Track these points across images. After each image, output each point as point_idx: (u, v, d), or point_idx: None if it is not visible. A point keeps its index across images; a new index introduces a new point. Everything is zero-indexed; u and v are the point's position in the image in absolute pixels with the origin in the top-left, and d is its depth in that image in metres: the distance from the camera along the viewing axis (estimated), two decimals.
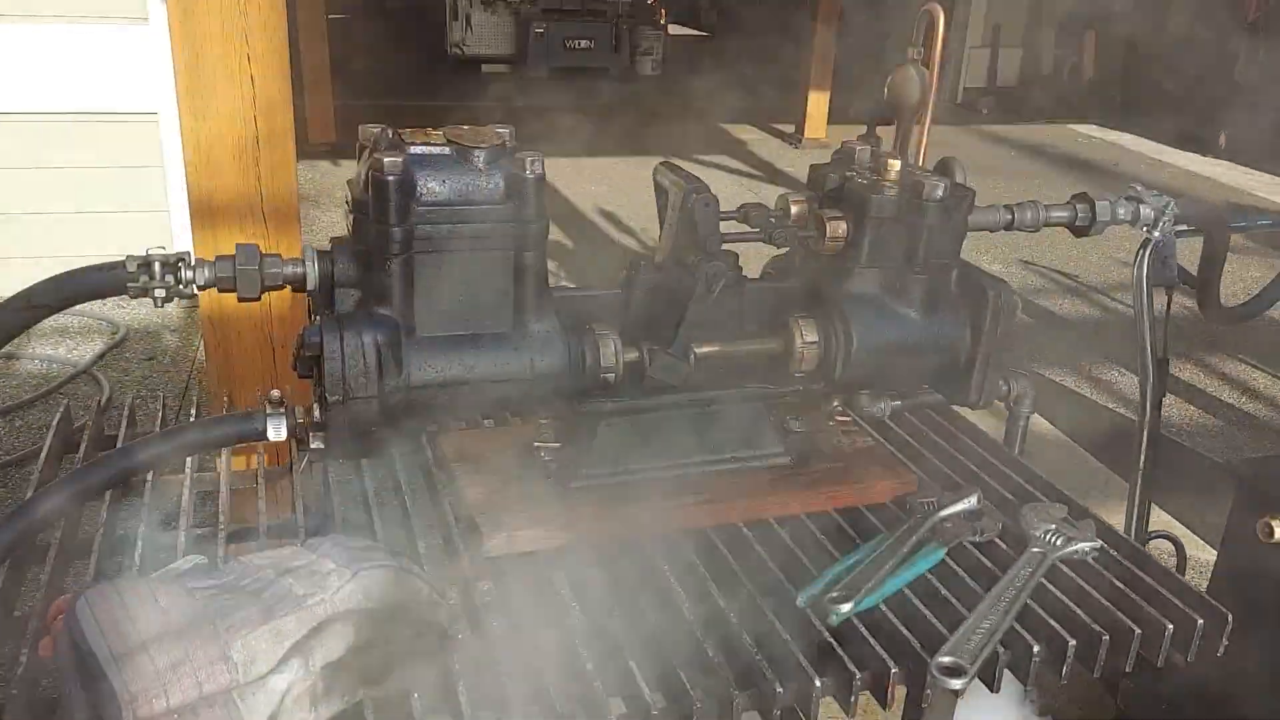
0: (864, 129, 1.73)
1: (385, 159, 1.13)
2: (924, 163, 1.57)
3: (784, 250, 1.48)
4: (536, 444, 1.36)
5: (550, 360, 1.24)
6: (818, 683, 1.10)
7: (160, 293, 1.15)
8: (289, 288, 1.25)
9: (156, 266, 1.15)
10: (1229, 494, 4.04)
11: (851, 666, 1.12)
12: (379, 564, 1.08)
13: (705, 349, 1.33)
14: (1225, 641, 1.26)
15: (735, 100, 10.83)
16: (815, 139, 8.84)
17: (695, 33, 15.34)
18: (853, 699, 1.12)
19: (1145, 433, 2.56)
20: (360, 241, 1.18)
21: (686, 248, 1.33)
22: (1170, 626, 1.23)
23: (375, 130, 1.26)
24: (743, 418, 1.43)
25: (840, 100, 9.31)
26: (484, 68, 11.45)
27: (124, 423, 1.54)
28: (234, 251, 1.20)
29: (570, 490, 1.36)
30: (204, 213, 2.16)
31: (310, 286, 1.20)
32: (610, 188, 7.63)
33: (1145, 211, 1.54)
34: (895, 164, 1.41)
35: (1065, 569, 1.32)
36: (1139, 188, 1.57)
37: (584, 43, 11.06)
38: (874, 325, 1.34)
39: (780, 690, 1.09)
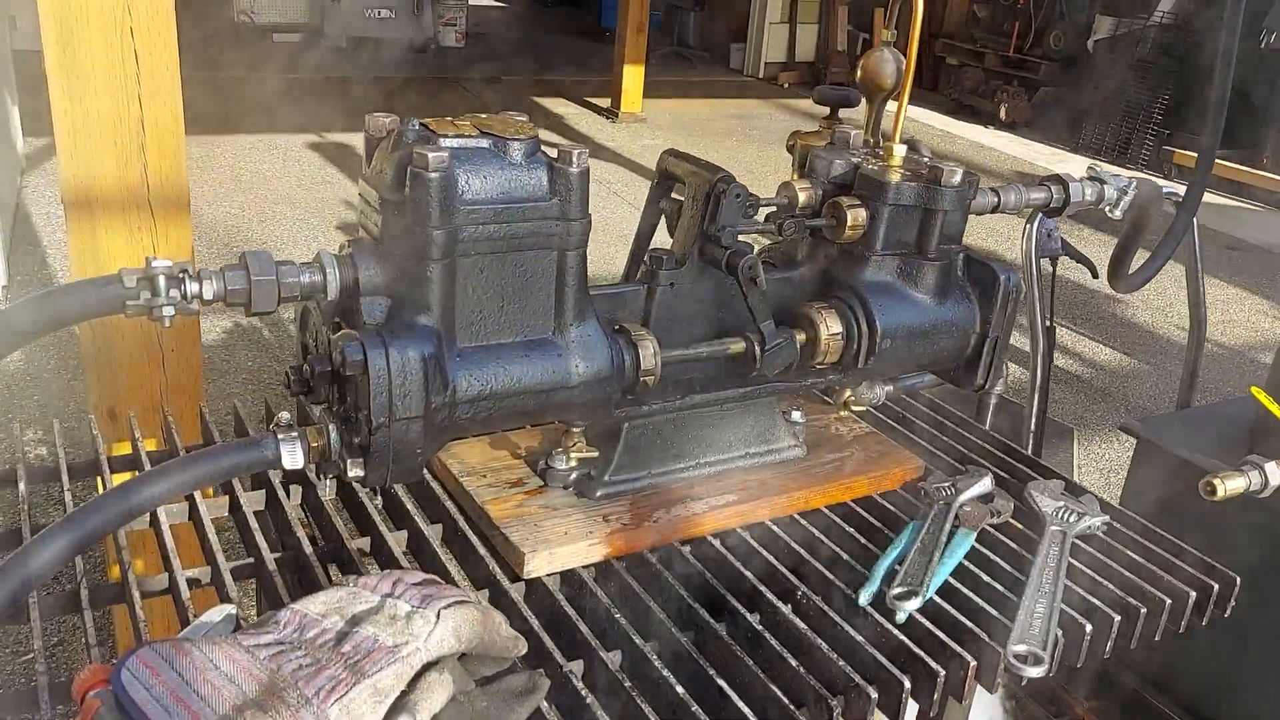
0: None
1: (430, 154, 1.01)
2: (896, 142, 1.56)
3: (779, 239, 1.44)
4: (574, 455, 1.27)
5: (595, 365, 1.16)
6: (907, 684, 1.09)
7: (169, 311, 0.99)
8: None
9: (161, 281, 0.99)
10: (1067, 450, 4.31)
11: (935, 664, 1.11)
12: (456, 599, 0.98)
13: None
14: (1233, 603, 1.34)
15: (546, 73, 10.73)
16: (631, 113, 8.86)
17: (494, 2, 15.08)
18: (936, 696, 1.11)
19: (1037, 396, 2.70)
20: (393, 245, 1.06)
21: (709, 240, 1.27)
22: (1193, 594, 1.29)
23: (386, 120, 1.13)
24: (756, 412, 1.40)
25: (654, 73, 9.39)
26: (275, 37, 10.81)
27: (60, 450, 1.34)
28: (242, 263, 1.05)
29: (596, 500, 1.29)
30: (80, 205, 1.92)
31: (332, 296, 1.07)
32: None
33: (1109, 192, 1.59)
34: (900, 149, 1.40)
35: (1082, 544, 1.36)
36: (1099, 168, 1.62)
37: (384, 12, 10.63)
38: (895, 314, 1.33)
39: (874, 695, 1.07)
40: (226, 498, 1.33)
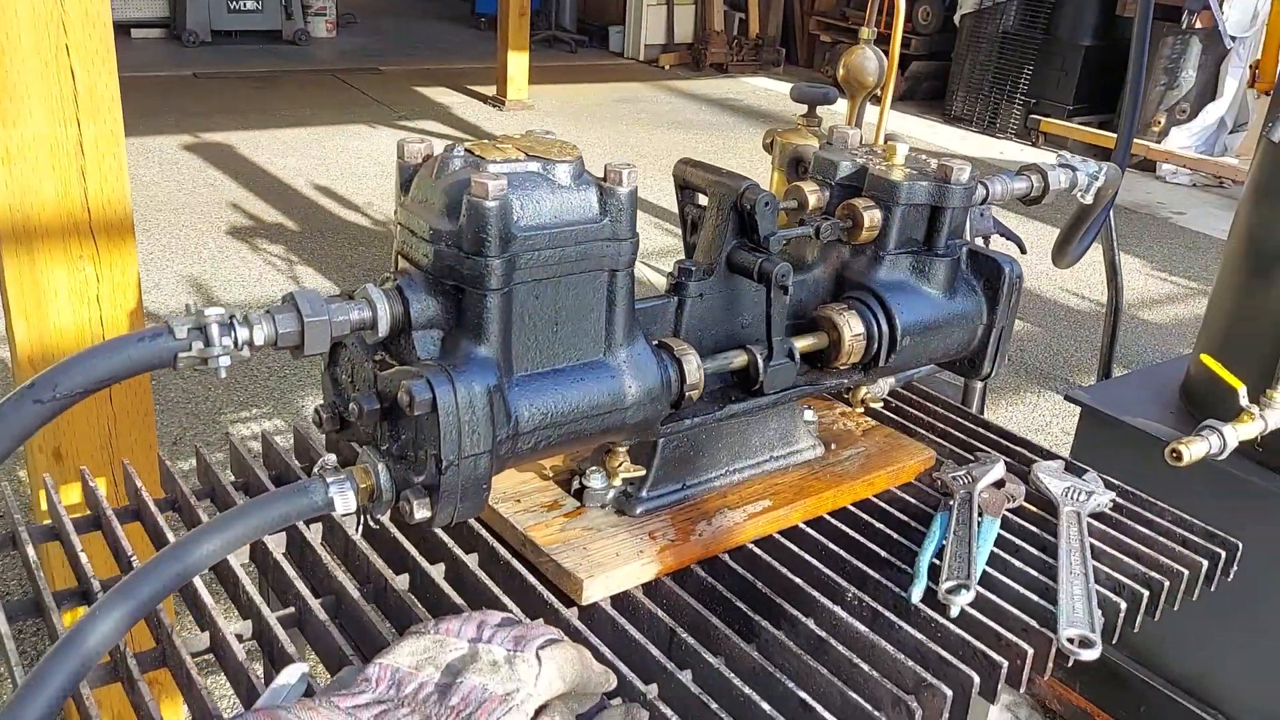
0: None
1: (489, 182, 0.98)
2: (880, 140, 1.59)
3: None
4: (621, 475, 1.26)
5: (647, 383, 1.14)
6: (976, 679, 1.11)
7: (224, 360, 0.94)
8: None
9: (214, 329, 0.93)
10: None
11: (997, 656, 1.14)
12: (549, 638, 0.96)
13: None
14: (1235, 568, 1.41)
15: (425, 62, 10.51)
16: (518, 100, 8.75)
17: None
18: (998, 686, 1.14)
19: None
20: (447, 275, 1.03)
21: (737, 248, 1.27)
22: (1205, 563, 1.36)
23: (420, 145, 1.10)
24: (778, 415, 1.40)
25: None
26: (134, 33, 10.31)
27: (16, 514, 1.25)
28: (294, 301, 1.00)
29: (639, 518, 1.28)
30: (16, 236, 1.79)
31: (383, 333, 1.03)
32: (319, 161, 7.15)
33: (1081, 178, 1.65)
34: (902, 148, 1.42)
35: (1093, 522, 1.42)
36: (1068, 155, 1.68)
37: (249, 3, 10.25)
38: (912, 311, 1.35)
39: (949, 693, 1.09)
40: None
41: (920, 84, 10.47)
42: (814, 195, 1.40)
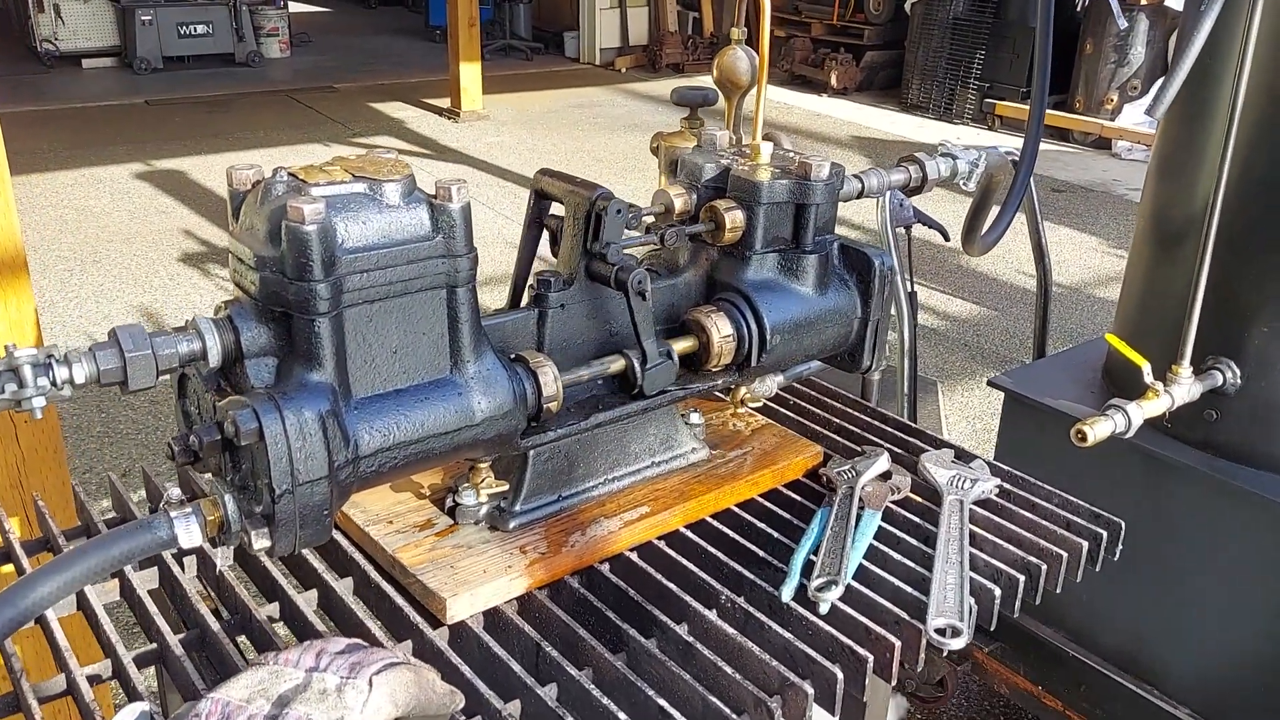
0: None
1: (305, 206, 0.97)
2: (757, 139, 1.59)
3: (656, 247, 1.45)
4: (484, 491, 1.25)
5: (498, 399, 1.14)
6: (839, 675, 1.11)
7: (39, 401, 0.93)
8: None
9: (27, 370, 0.92)
10: (934, 404, 4.47)
11: (863, 651, 1.14)
12: (386, 662, 0.95)
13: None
14: (1120, 547, 1.41)
15: (380, 78, 10.49)
16: (473, 111, 8.74)
17: (315, 8, 14.63)
18: (865, 681, 1.14)
19: (906, 360, 2.80)
20: (274, 302, 1.02)
21: (594, 257, 1.26)
22: (1086, 544, 1.36)
23: (249, 172, 1.09)
24: (658, 420, 1.40)
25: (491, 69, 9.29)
26: (85, 64, 10.27)
27: None
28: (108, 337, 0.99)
29: (511, 533, 1.27)
30: None
31: (214, 363, 1.02)
32: None
33: (961, 166, 1.65)
34: (767, 147, 1.42)
35: (978, 509, 1.42)
36: (950, 143, 1.68)
37: (200, 28, 10.21)
38: (781, 309, 1.35)
39: (811, 691, 1.09)
40: (116, 581, 1.26)
41: (876, 74, 10.50)
42: (680, 199, 1.39)
